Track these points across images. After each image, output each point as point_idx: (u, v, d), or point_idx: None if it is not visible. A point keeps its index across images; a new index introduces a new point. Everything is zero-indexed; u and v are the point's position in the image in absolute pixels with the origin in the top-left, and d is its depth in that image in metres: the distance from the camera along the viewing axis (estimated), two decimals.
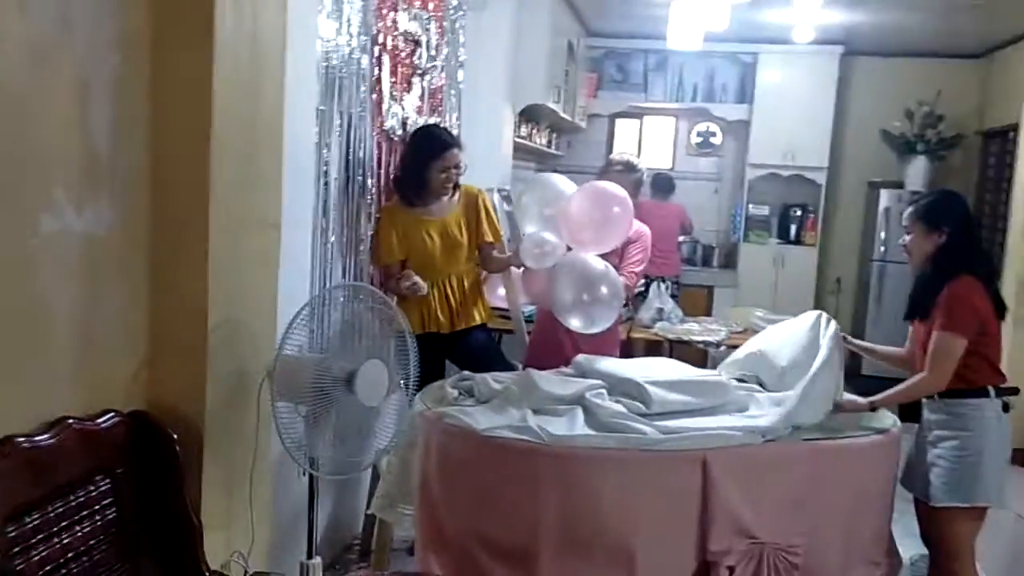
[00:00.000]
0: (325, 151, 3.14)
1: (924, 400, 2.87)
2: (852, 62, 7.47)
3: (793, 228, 7.57)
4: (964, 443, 2.74)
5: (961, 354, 2.71)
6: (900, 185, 7.20)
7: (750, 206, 7.61)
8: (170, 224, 2.12)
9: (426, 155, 3.33)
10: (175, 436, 2.04)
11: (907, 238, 2.90)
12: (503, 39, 5.27)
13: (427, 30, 4.07)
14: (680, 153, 7.96)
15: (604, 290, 3.10)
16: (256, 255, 2.37)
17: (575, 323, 3.15)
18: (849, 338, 3.04)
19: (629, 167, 3.63)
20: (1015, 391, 2.82)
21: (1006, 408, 2.78)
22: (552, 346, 3.43)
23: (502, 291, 4.09)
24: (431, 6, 4.09)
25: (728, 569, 2.52)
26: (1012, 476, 2.85)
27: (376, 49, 3.52)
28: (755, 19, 6.48)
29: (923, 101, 7.11)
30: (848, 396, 2.86)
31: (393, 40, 3.69)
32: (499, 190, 4.71)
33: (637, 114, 7.96)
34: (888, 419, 2.88)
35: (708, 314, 6.24)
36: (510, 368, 3.37)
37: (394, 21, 3.70)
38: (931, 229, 2.82)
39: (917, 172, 7.16)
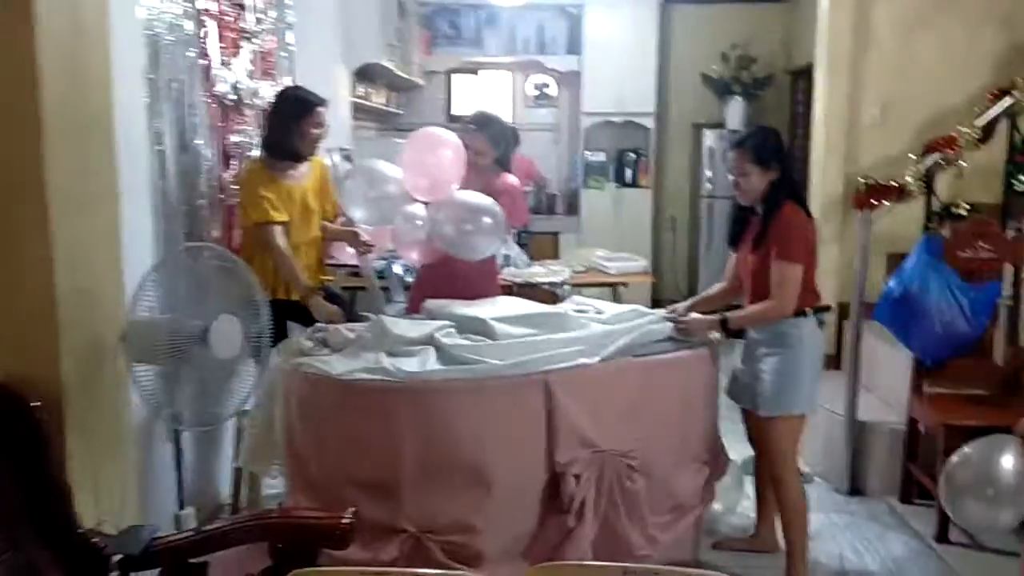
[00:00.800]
0: (157, 119, 3.15)
1: None
2: (671, 10, 7.86)
3: (628, 172, 7.95)
4: (785, 358, 3.00)
5: (800, 278, 2.93)
6: (721, 125, 7.69)
7: (587, 153, 7.94)
8: (6, 200, 2.14)
9: (297, 114, 3.45)
10: (34, 404, 2.08)
11: (738, 177, 3.05)
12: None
13: None
14: (519, 106, 8.17)
15: (487, 220, 3.24)
16: (98, 224, 2.41)
17: (464, 253, 3.30)
18: (679, 312, 3.20)
19: (479, 122, 3.64)
20: (827, 308, 3.14)
21: (820, 324, 3.08)
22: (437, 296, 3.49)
23: (351, 249, 4.19)
24: None
25: (575, 477, 2.78)
26: (823, 378, 3.20)
27: (200, 14, 3.53)
28: None
29: (736, 44, 7.60)
30: (694, 315, 3.13)
31: (218, 4, 3.70)
32: (341, 150, 4.78)
33: (473, 69, 8.12)
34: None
35: (555, 258, 6.53)
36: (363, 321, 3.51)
37: None
38: (764, 167, 3.01)
39: (735, 112, 7.66)
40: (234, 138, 3.84)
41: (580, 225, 7.85)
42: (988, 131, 3.76)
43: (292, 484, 2.78)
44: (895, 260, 3.90)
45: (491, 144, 3.57)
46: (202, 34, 3.53)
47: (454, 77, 8.15)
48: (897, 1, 4.48)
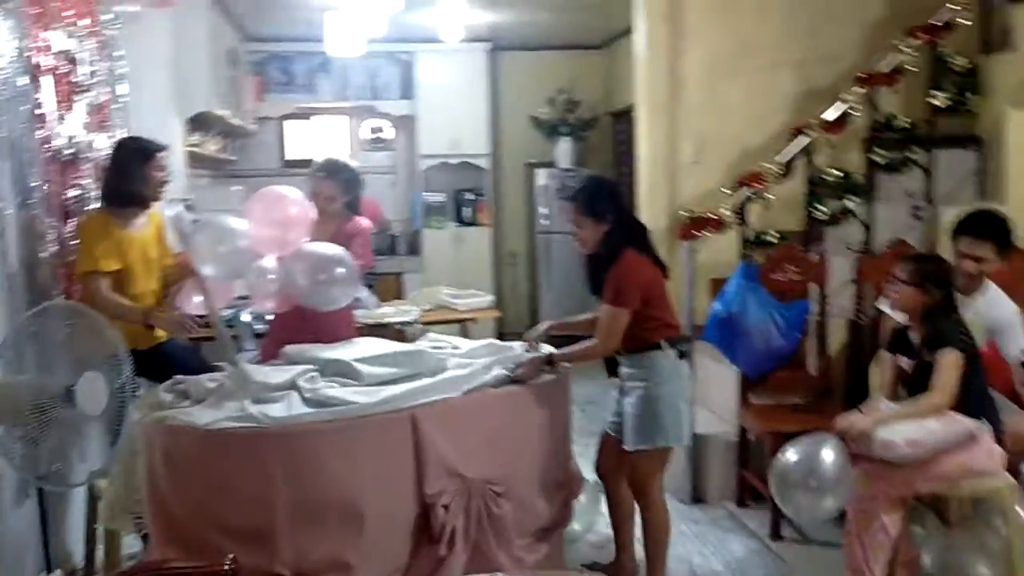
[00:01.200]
0: None
1: (619, 357, 3.27)
2: (500, 57, 8.23)
3: (467, 211, 8.21)
4: (647, 391, 3.16)
5: (625, 323, 3.10)
6: (552, 164, 8.09)
7: (426, 194, 8.14)
8: None
9: (140, 159, 3.44)
10: None
11: (576, 230, 3.24)
12: (162, 50, 5.26)
13: (83, 46, 4.02)
14: (355, 150, 8.28)
15: (340, 270, 3.31)
16: None
17: (320, 305, 3.34)
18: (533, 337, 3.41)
19: (335, 167, 3.75)
20: (686, 339, 3.34)
21: (682, 355, 3.23)
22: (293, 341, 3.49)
23: (199, 298, 4.15)
24: (85, 22, 4.03)
25: (444, 507, 2.90)
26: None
27: (34, 69, 3.46)
28: (408, 21, 6.96)
29: (562, 89, 8.04)
30: (524, 356, 3.28)
31: (53, 59, 3.63)
32: (183, 200, 4.74)
33: (306, 115, 8.16)
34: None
35: (400, 298, 6.64)
36: (215, 371, 3.50)
37: (46, 40, 3.64)
38: (597, 220, 3.18)
39: (564, 151, 8.08)
40: (72, 192, 3.76)
41: (423, 264, 8.01)
42: (788, 166, 4.21)
43: (157, 539, 2.74)
44: (717, 284, 4.27)
45: (341, 190, 3.68)
46: (36, 89, 3.47)
47: (287, 123, 8.16)
48: (704, 49, 4.92)
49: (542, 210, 8.03)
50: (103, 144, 4.05)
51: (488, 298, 5.42)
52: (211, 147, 6.46)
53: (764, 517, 3.93)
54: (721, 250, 4.54)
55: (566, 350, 3.27)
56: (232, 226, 3.44)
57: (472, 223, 8.23)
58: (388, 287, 7.39)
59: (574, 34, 7.91)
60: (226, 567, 2.14)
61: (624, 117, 8.04)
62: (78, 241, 3.51)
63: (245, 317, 4.64)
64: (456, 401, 3.00)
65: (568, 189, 3.56)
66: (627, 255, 3.15)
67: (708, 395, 4.62)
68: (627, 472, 3.32)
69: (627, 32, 7.57)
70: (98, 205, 3.69)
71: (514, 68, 8.31)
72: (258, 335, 4.47)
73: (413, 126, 8.12)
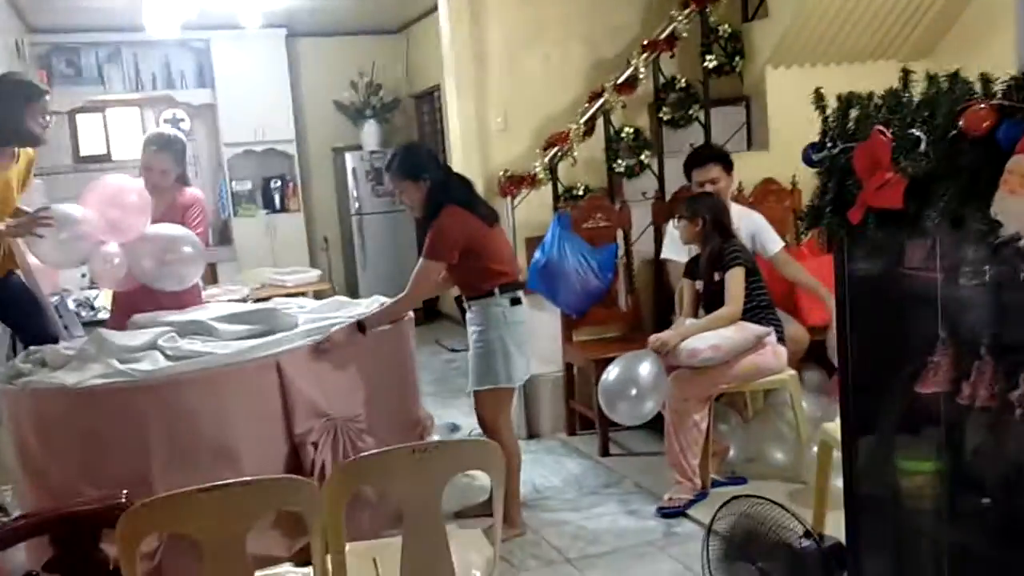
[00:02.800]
0: None
1: (464, 305, 3.47)
2: (297, 43, 8.28)
3: (277, 197, 8.22)
4: (480, 336, 3.38)
5: (435, 275, 3.31)
6: (359, 147, 8.27)
7: (233, 183, 8.08)
8: None
9: (20, 101, 3.27)
10: None
11: (399, 196, 3.44)
12: None
13: None
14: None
15: (187, 248, 3.39)
16: None
17: (170, 285, 3.38)
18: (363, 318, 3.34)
19: (166, 140, 3.79)
20: (519, 285, 3.48)
21: (515, 302, 3.40)
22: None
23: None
24: None
25: (312, 445, 3.11)
26: None
27: None
28: (204, 7, 6.90)
29: (363, 73, 8.23)
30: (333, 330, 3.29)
31: None
32: None
33: (98, 108, 7.87)
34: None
35: None
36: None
37: None
38: (415, 181, 3.34)
39: (370, 134, 8.28)
40: None
41: (235, 253, 7.94)
42: (590, 126, 4.69)
43: (32, 501, 2.78)
44: (533, 243, 4.67)
45: (174, 162, 3.75)
46: None
47: (79, 117, 7.83)
48: (505, 29, 5.31)
49: (353, 193, 8.19)
50: None
51: (315, 272, 5.60)
52: None
53: (593, 441, 4.39)
54: (533, 211, 4.96)
55: (374, 312, 3.39)
56: (72, 213, 3.44)
57: (282, 209, 8.26)
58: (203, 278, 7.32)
59: (370, 19, 8.11)
60: (121, 500, 2.29)
61: (427, 98, 8.37)
62: None
63: (70, 305, 4.57)
64: (315, 347, 3.20)
65: (385, 160, 3.69)
66: (446, 210, 3.30)
67: (534, 343, 5.05)
68: (477, 414, 3.56)
69: (423, 16, 7.94)
70: None
71: (313, 53, 8.39)
72: (86, 324, 4.42)
73: (214, 115, 8.03)
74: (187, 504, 1.77)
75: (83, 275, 5.11)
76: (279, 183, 8.25)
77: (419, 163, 3.40)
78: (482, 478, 4.04)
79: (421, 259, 3.35)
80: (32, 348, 3.09)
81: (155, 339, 3.06)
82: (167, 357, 2.97)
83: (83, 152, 7.86)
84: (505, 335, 3.39)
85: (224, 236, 8.13)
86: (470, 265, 3.38)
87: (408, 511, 1.97)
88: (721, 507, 2.44)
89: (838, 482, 2.30)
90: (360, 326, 3.28)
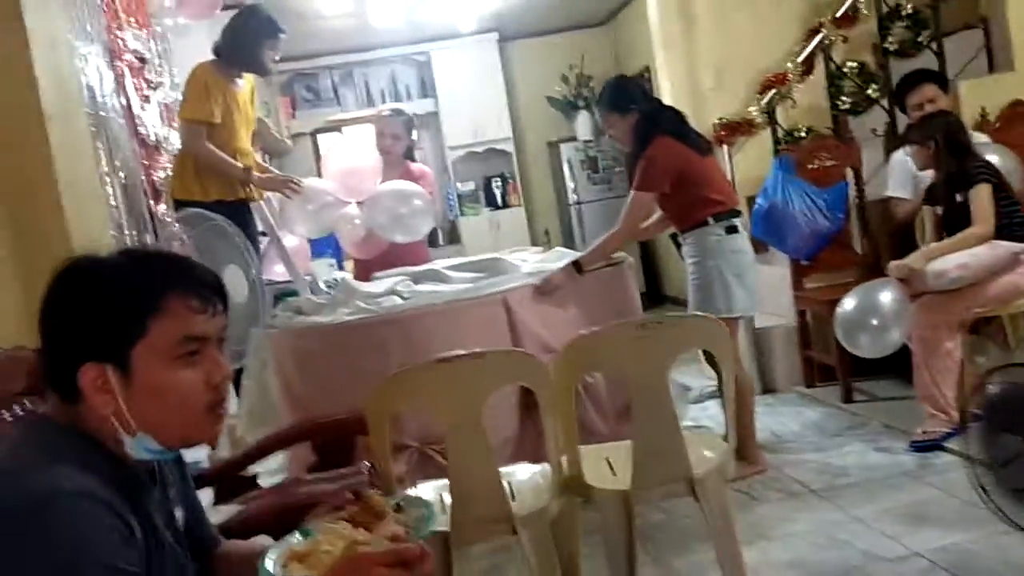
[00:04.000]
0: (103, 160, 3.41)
1: (679, 237, 3.41)
2: (509, 46, 8.58)
3: (499, 194, 8.53)
4: (697, 266, 3.31)
5: (647, 205, 3.24)
6: (574, 138, 8.41)
7: (458, 184, 8.47)
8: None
9: (262, 34, 3.59)
10: None
11: (608, 130, 3.44)
12: None
13: (149, 48, 4.40)
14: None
15: (417, 202, 3.68)
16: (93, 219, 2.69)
17: (404, 236, 3.65)
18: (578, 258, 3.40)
19: (398, 111, 4.17)
20: (735, 212, 3.32)
21: (731, 230, 3.28)
22: None
23: (279, 268, 4.49)
24: (145, 30, 4.42)
25: None
26: None
27: (113, 59, 3.83)
28: (420, 20, 7.35)
29: (573, 66, 8.38)
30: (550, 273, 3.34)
31: (131, 55, 4.01)
32: None
33: (336, 127, 8.54)
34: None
35: None
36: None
37: (123, 39, 4.02)
38: (622, 113, 3.32)
39: (583, 125, 8.39)
40: (159, 174, 4.11)
41: (464, 252, 8.29)
42: (809, 65, 4.50)
43: None
44: (750, 202, 4.52)
45: (404, 130, 4.02)
46: (120, 81, 3.83)
47: (320, 136, 8.54)
48: None
49: (569, 184, 8.33)
50: (175, 141, 4.43)
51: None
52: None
53: (833, 391, 4.17)
54: (751, 164, 4.82)
55: (590, 251, 3.41)
56: (315, 185, 3.80)
57: (504, 206, 8.54)
58: None
59: (578, 14, 8.26)
60: (366, 471, 2.43)
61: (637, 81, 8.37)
62: (187, 85, 3.65)
63: (321, 286, 4.97)
64: (538, 287, 3.28)
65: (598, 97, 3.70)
66: (656, 141, 3.25)
67: (760, 295, 4.89)
68: None
69: (628, 3, 7.97)
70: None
71: (524, 54, 8.65)
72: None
73: (437, 122, 8.47)
74: (427, 375, 1.87)
75: (330, 264, 5.56)
76: (500, 181, 8.55)
77: (626, 95, 3.39)
78: None
79: (632, 192, 3.31)
80: (289, 299, 3.40)
81: (394, 285, 3.28)
82: (404, 299, 3.17)
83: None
84: (722, 264, 3.28)
85: (452, 235, 8.51)
86: (683, 195, 3.30)
87: (636, 390, 1.98)
88: (993, 371, 2.24)
89: None
90: (577, 265, 3.30)
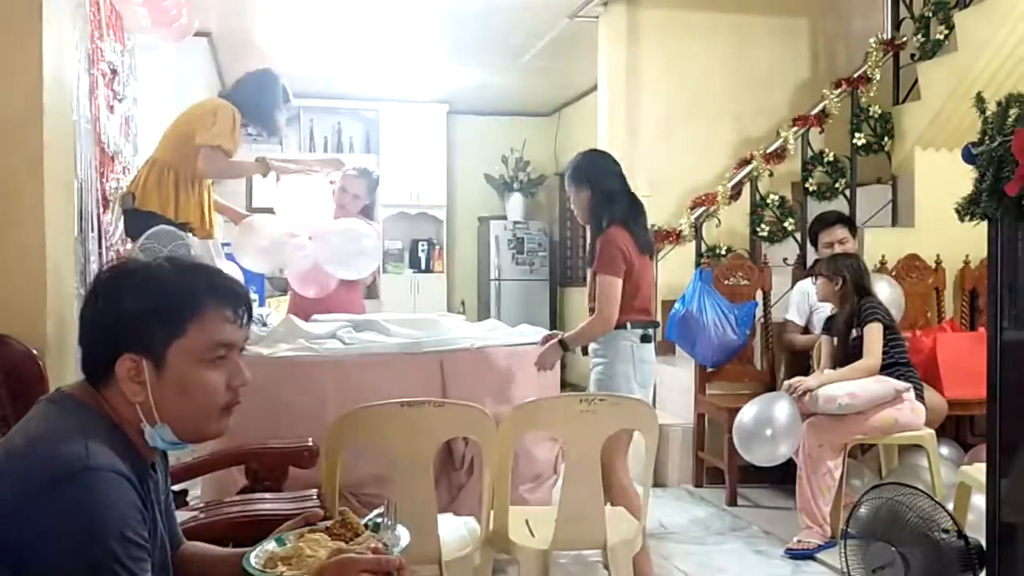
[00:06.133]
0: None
1: None
2: (456, 119, 8.91)
3: (423, 258, 8.73)
4: (605, 369, 3.24)
5: (619, 290, 3.11)
6: (504, 217, 8.73)
7: (386, 241, 8.63)
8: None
9: (279, 100, 3.80)
10: (35, 352, 2.39)
11: (571, 203, 3.42)
12: (166, 86, 5.73)
13: (122, 61, 4.49)
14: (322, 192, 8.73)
15: (367, 241, 3.91)
16: (64, 217, 2.76)
17: (348, 273, 3.80)
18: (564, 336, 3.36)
19: (365, 171, 4.37)
20: (655, 324, 3.36)
21: (646, 339, 3.25)
22: None
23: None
24: (120, 44, 4.51)
25: (464, 440, 3.34)
26: None
27: (92, 71, 3.91)
28: (376, 80, 7.62)
29: (514, 149, 8.76)
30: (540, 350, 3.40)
31: (106, 65, 4.09)
32: None
33: None
34: None
35: None
36: None
37: (102, 48, 4.10)
38: (578, 187, 3.30)
39: (515, 206, 8.75)
40: (110, 184, 4.16)
41: (381, 308, 8.41)
42: (737, 191, 4.92)
43: None
44: (668, 306, 4.82)
45: (366, 191, 4.20)
46: (93, 87, 3.91)
47: None
48: (657, 106, 5.68)
49: (494, 259, 8.60)
50: (129, 154, 4.49)
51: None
52: None
53: (720, 493, 4.46)
54: (674, 272, 5.18)
55: (574, 331, 3.40)
56: (264, 223, 3.94)
57: (428, 270, 8.74)
58: None
59: (527, 102, 8.67)
60: (310, 444, 2.58)
61: None
62: (207, 115, 3.68)
63: None
64: (474, 352, 3.47)
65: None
66: (611, 229, 3.22)
67: (662, 397, 5.20)
68: None
69: (576, 99, 8.44)
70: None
71: (468, 129, 9.00)
72: None
73: None
74: (386, 415, 2.03)
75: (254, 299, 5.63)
76: (426, 245, 8.77)
77: (586, 171, 3.37)
78: None
79: (601, 276, 3.24)
80: None
81: (335, 330, 3.41)
82: (345, 344, 3.31)
83: (255, 203, 8.59)
84: (630, 370, 3.23)
85: (372, 291, 8.62)
86: None
87: (571, 459, 2.18)
88: (868, 491, 2.52)
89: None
90: (563, 344, 3.32)
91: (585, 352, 3.43)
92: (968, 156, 2.02)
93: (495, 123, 9.03)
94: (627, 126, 5.70)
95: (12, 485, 1.20)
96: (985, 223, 2.08)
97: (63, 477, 1.19)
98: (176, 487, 2.49)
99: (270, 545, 1.46)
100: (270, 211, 4.34)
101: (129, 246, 3.81)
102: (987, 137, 1.93)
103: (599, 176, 3.34)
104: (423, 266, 8.75)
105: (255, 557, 1.40)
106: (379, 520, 1.49)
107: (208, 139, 3.56)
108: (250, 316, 1.46)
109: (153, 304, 1.35)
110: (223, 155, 3.60)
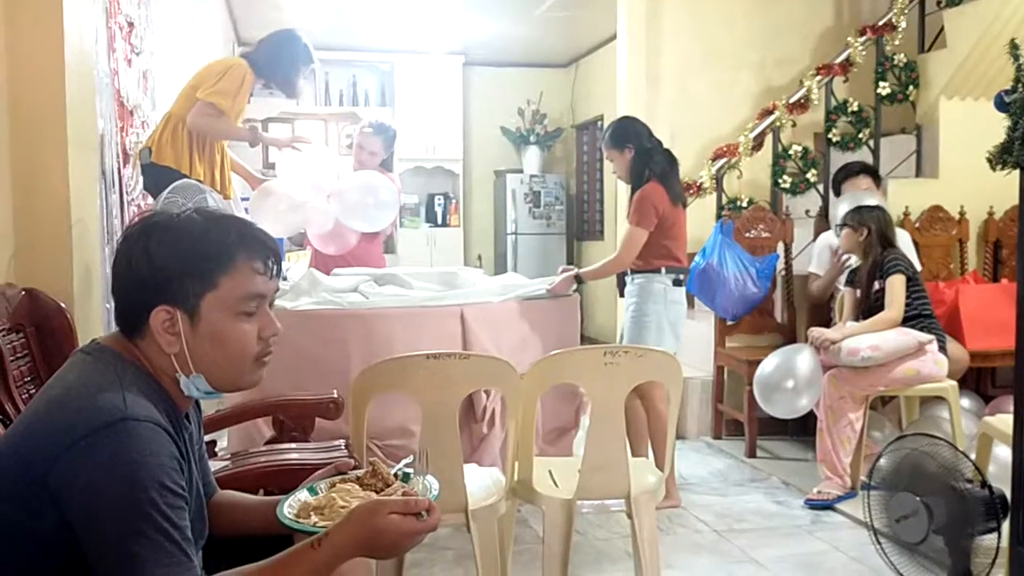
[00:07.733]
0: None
1: (627, 276, 3.70)
2: (472, 71, 8.82)
3: (440, 213, 8.70)
4: (637, 307, 3.60)
5: (642, 241, 3.50)
6: (520, 171, 8.67)
7: (402, 196, 8.60)
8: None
9: (300, 60, 3.72)
10: (63, 305, 2.41)
11: (611, 164, 3.75)
12: (180, 38, 5.68)
13: (139, 14, 4.45)
14: (334, 152, 8.71)
15: (384, 193, 3.86)
16: (87, 171, 2.76)
17: (368, 225, 3.80)
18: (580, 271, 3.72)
19: (381, 127, 4.31)
20: (686, 270, 3.72)
21: (677, 283, 3.63)
22: None
23: None
24: None
25: (485, 392, 3.36)
26: None
27: (110, 24, 3.88)
28: (391, 31, 7.53)
29: (531, 101, 8.67)
30: (557, 279, 3.69)
31: (123, 17, 4.06)
32: None
33: (288, 119, 8.59)
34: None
35: None
36: None
37: (117, 0, 4.07)
38: (620, 150, 3.66)
39: (531, 159, 8.69)
40: (130, 138, 4.16)
41: (399, 262, 8.41)
42: (759, 142, 4.86)
43: None
44: (688, 259, 4.80)
45: (383, 147, 4.18)
46: (111, 41, 3.88)
47: (271, 126, 8.56)
48: (676, 55, 5.59)
49: (510, 214, 8.57)
50: (147, 108, 4.47)
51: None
52: None
53: (739, 445, 4.48)
54: (694, 225, 5.11)
55: (590, 268, 3.76)
56: (279, 188, 3.92)
57: (444, 224, 8.72)
58: None
59: (543, 53, 8.56)
60: (335, 396, 2.60)
61: (588, 128, 8.71)
62: (219, 72, 3.68)
63: None
64: (495, 305, 3.48)
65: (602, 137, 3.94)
66: (649, 184, 3.58)
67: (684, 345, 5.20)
68: None
69: (593, 50, 8.33)
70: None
71: (486, 81, 8.90)
72: None
73: None
74: (412, 367, 2.04)
75: None
76: (443, 199, 8.74)
77: (624, 134, 3.69)
78: None
79: (629, 226, 3.59)
80: None
81: (357, 284, 3.42)
82: (366, 298, 3.32)
83: (271, 160, 8.57)
84: (662, 310, 3.58)
85: (388, 246, 8.62)
86: (652, 240, 3.57)
87: (595, 410, 2.19)
88: (892, 442, 2.52)
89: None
90: (578, 278, 3.65)
91: (622, 294, 3.79)
92: (1001, 104, 1.98)
93: (511, 75, 8.93)
94: (647, 76, 5.62)
95: (53, 435, 1.22)
96: (1016, 172, 2.05)
97: (102, 427, 1.21)
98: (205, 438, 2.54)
99: (303, 495, 1.48)
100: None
101: (150, 200, 3.82)
102: (1020, 84, 1.89)
103: (637, 138, 3.67)
104: (439, 220, 8.72)
105: (288, 507, 1.42)
106: (408, 470, 1.51)
107: (206, 94, 3.55)
108: (279, 268, 1.46)
109: (187, 257, 1.35)
110: (215, 112, 3.54)
